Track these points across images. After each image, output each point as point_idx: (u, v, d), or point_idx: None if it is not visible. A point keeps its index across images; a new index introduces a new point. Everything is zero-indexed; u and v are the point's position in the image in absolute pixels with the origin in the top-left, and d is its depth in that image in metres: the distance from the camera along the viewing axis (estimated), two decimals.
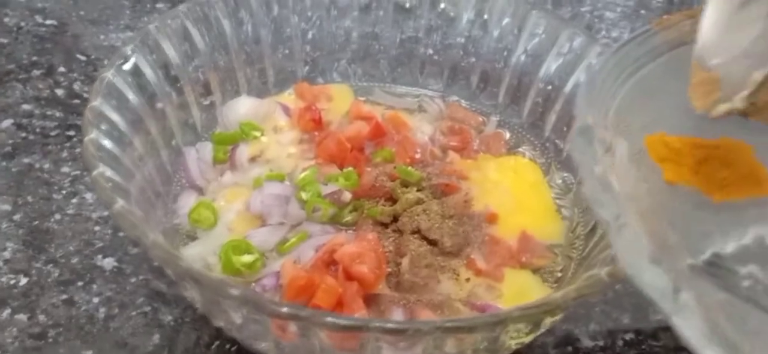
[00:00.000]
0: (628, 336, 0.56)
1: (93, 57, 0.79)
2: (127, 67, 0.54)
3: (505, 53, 0.68)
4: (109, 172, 0.46)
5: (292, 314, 0.39)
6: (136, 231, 0.41)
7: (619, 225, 0.34)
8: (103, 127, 0.49)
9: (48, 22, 0.84)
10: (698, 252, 0.37)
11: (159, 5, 0.89)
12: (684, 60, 0.45)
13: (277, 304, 0.39)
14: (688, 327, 0.30)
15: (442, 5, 0.70)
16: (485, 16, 0.69)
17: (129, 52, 0.55)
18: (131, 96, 0.54)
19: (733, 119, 0.43)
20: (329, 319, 0.39)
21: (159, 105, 0.58)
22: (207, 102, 0.64)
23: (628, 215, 0.34)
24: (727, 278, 0.35)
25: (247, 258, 0.52)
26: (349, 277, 0.50)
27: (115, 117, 0.51)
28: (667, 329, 0.56)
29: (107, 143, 0.49)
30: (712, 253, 0.37)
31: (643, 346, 0.55)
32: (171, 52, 0.59)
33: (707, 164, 0.41)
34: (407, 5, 0.71)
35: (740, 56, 0.41)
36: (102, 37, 0.83)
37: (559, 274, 0.55)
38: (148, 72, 0.56)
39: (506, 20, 0.68)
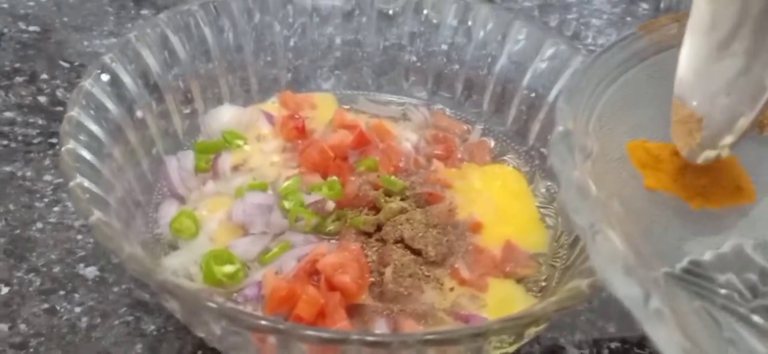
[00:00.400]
0: (614, 344, 0.56)
1: (77, 64, 0.78)
2: (105, 76, 0.54)
3: (489, 60, 0.68)
4: (86, 183, 0.45)
5: (270, 327, 0.38)
6: (113, 243, 0.41)
7: (594, 232, 0.34)
8: (82, 137, 0.49)
9: (31, 28, 0.83)
10: (675, 259, 0.36)
11: (143, 11, 0.89)
12: (668, 64, 0.44)
13: (256, 317, 0.39)
14: (661, 335, 0.30)
15: (426, 12, 0.70)
16: (469, 23, 0.69)
17: (108, 61, 0.55)
18: (110, 105, 0.53)
19: None
20: (309, 332, 0.39)
21: (139, 114, 0.57)
22: (188, 110, 0.64)
23: (604, 222, 0.34)
24: (703, 286, 0.35)
25: (228, 268, 0.52)
26: (332, 287, 0.49)
27: (93, 127, 0.50)
28: None
29: (85, 154, 0.48)
30: (689, 261, 0.36)
31: None
32: (151, 61, 0.59)
33: (688, 171, 0.41)
34: (390, 12, 0.70)
35: (721, 94, 0.41)
36: (86, 43, 0.82)
37: (544, 284, 0.55)
38: (127, 81, 0.56)
39: (489, 27, 0.68)
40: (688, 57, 0.42)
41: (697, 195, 0.40)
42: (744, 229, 0.38)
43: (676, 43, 0.44)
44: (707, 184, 0.40)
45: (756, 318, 0.34)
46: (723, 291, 0.35)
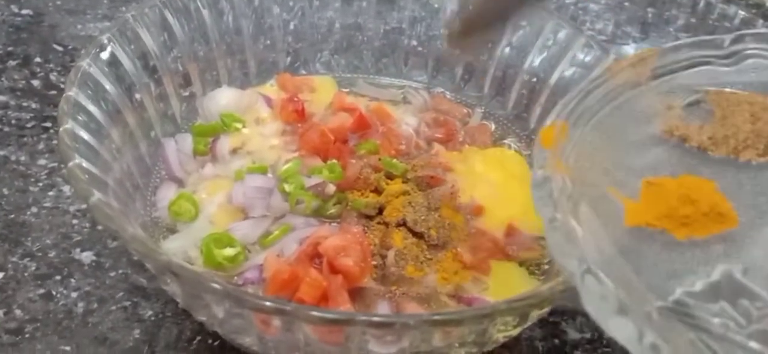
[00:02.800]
0: None
1: (70, 47, 0.77)
2: (103, 56, 0.53)
3: (490, 45, 0.68)
4: (85, 164, 0.45)
5: (276, 309, 0.38)
6: (114, 224, 0.40)
7: (584, 273, 0.35)
8: (80, 117, 0.48)
9: (24, 11, 0.82)
10: (667, 292, 0.37)
11: None
12: (639, 101, 0.45)
13: (261, 298, 0.38)
14: None
15: None
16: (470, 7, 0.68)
17: (105, 41, 0.54)
18: (108, 86, 0.53)
19: (694, 153, 0.43)
20: (314, 313, 0.38)
21: (137, 96, 0.56)
22: (186, 93, 0.63)
23: (592, 262, 0.35)
24: (697, 317, 0.35)
25: (229, 251, 0.51)
26: (334, 270, 0.49)
27: (91, 107, 0.50)
28: None
29: (84, 134, 0.47)
30: (681, 293, 0.37)
31: None
32: (149, 42, 0.58)
33: (669, 204, 0.41)
34: None
35: None
36: (79, 26, 0.81)
37: (546, 266, 0.54)
38: (125, 62, 0.55)
39: None
40: None
41: (681, 225, 0.40)
42: (731, 254, 0.38)
43: (644, 81, 0.45)
44: (690, 214, 0.40)
45: (753, 344, 0.34)
46: (717, 320, 0.35)
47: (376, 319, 0.38)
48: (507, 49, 0.67)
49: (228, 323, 0.44)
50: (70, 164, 0.43)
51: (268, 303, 0.38)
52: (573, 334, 0.55)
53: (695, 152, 0.43)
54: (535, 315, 0.47)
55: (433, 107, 0.68)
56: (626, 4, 0.93)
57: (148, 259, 0.39)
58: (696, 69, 0.45)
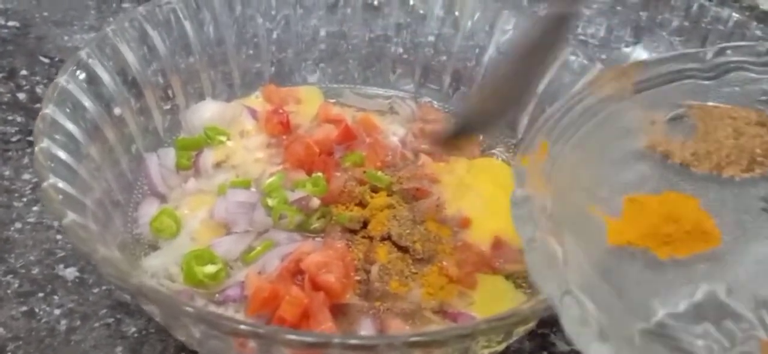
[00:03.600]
0: None
1: (56, 59, 0.77)
2: (81, 73, 0.52)
3: (477, 51, 0.67)
4: (61, 184, 0.44)
5: (250, 332, 0.37)
6: (87, 246, 0.40)
7: (563, 295, 0.34)
8: (57, 136, 0.47)
9: (10, 23, 0.82)
10: (649, 314, 0.36)
11: (125, 5, 0.87)
12: (622, 116, 0.45)
13: (234, 321, 0.38)
14: None
15: (412, 2, 0.69)
16: (456, 13, 0.68)
17: (84, 57, 0.53)
18: (87, 103, 0.52)
19: (677, 170, 0.43)
20: (289, 336, 0.37)
21: (117, 110, 0.56)
22: (169, 106, 0.62)
23: (572, 285, 0.34)
24: (681, 340, 0.35)
25: (210, 268, 0.50)
26: (316, 286, 0.48)
27: (69, 125, 0.49)
28: None
29: (61, 153, 0.47)
30: (664, 314, 0.36)
31: None
32: (129, 56, 0.57)
33: (652, 221, 0.41)
34: (375, 3, 0.69)
35: None
36: (66, 38, 0.80)
37: None
38: (105, 77, 0.55)
39: (477, 17, 0.66)
40: None
41: (664, 244, 0.39)
42: (715, 274, 0.38)
43: (625, 96, 0.44)
44: (672, 232, 0.39)
45: None
46: (700, 342, 0.35)
47: (353, 340, 0.38)
48: (494, 56, 0.66)
49: (206, 344, 0.43)
50: (45, 184, 0.43)
51: (242, 326, 0.37)
52: (562, 347, 0.54)
53: (678, 168, 0.42)
54: (521, 331, 0.46)
55: (420, 117, 0.67)
56: (619, 7, 0.92)
57: (121, 281, 0.39)
58: (679, 83, 0.44)
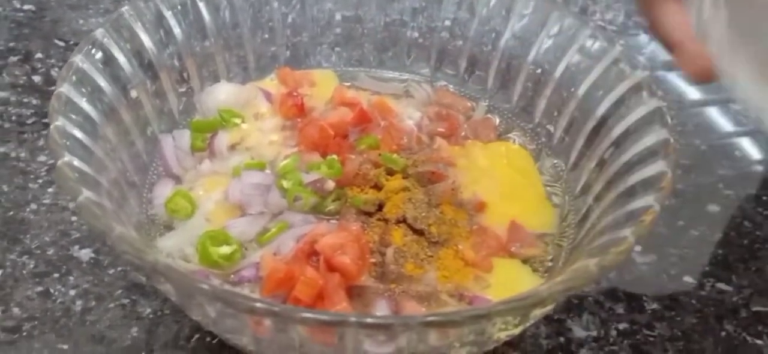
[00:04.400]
0: (622, 326, 0.54)
1: (71, 42, 0.77)
2: (98, 53, 0.52)
3: (494, 35, 0.66)
4: (76, 162, 0.44)
5: (266, 310, 0.37)
6: (101, 224, 0.39)
7: None
8: (73, 115, 0.47)
9: (26, 6, 0.82)
10: None
11: None
12: None
13: (251, 299, 0.37)
14: None
15: None
16: None
17: (99, 37, 0.53)
18: (103, 83, 0.52)
19: None
20: (305, 314, 0.37)
21: (133, 92, 0.56)
22: (184, 89, 0.62)
23: None
24: None
25: (225, 249, 0.50)
26: (331, 268, 0.48)
27: (85, 105, 0.49)
28: (662, 319, 0.55)
29: (76, 132, 0.47)
30: None
31: (638, 336, 0.54)
32: (145, 38, 0.57)
33: None
34: None
35: None
36: (81, 21, 0.80)
37: (550, 264, 0.53)
38: (121, 59, 0.54)
39: (493, 1, 0.66)
40: None
41: None
42: None
43: None
44: None
45: None
46: None
47: (368, 320, 0.37)
48: (511, 40, 0.65)
49: (221, 323, 0.43)
50: (59, 162, 0.43)
51: (257, 304, 0.37)
52: (579, 332, 0.54)
53: None
54: (537, 314, 0.45)
55: (436, 101, 0.66)
56: None
57: (136, 259, 0.39)
58: None
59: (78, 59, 0.50)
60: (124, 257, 0.53)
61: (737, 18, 0.41)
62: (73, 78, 0.49)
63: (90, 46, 0.52)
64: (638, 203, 0.46)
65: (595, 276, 0.40)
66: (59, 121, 0.45)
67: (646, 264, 0.59)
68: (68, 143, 0.45)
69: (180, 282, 0.38)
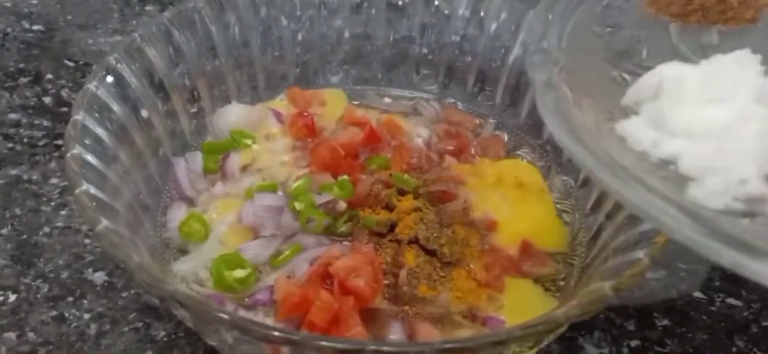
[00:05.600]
0: (634, 343, 0.54)
1: (81, 62, 0.77)
2: (110, 77, 0.53)
3: (502, 51, 0.67)
4: (93, 190, 0.44)
5: (284, 338, 0.37)
6: (120, 253, 0.40)
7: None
8: (87, 141, 0.48)
9: (35, 27, 0.82)
10: None
11: (148, 7, 0.87)
12: None
13: (268, 327, 0.38)
14: None
15: (436, 3, 0.68)
16: (481, 14, 0.67)
17: (113, 63, 0.53)
18: (115, 106, 0.52)
19: None
20: (323, 342, 0.37)
21: (144, 113, 0.56)
22: (195, 109, 0.63)
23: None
24: None
25: (239, 273, 0.50)
26: (345, 291, 0.48)
27: (98, 130, 0.49)
28: (673, 335, 0.55)
29: (91, 159, 0.47)
30: None
31: (649, 353, 0.54)
32: (156, 59, 0.58)
33: None
34: (400, 3, 0.69)
35: None
36: (90, 41, 0.81)
37: (562, 283, 0.53)
38: (132, 81, 0.55)
39: (502, 18, 0.66)
40: None
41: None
42: None
43: None
44: None
45: None
46: None
47: (386, 348, 0.37)
48: (519, 57, 0.65)
49: (238, 349, 0.43)
50: (77, 191, 0.43)
51: (276, 333, 0.37)
52: (591, 350, 0.54)
53: None
54: (551, 336, 0.46)
55: (444, 119, 0.67)
56: None
57: (154, 288, 0.39)
58: None
59: (92, 86, 0.51)
60: (141, 284, 0.53)
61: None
62: (88, 105, 0.49)
63: (104, 72, 0.52)
64: None
65: (609, 299, 0.40)
66: (76, 150, 0.45)
67: (657, 279, 0.59)
68: (84, 171, 0.45)
69: (199, 310, 0.39)
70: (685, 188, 0.37)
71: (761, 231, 0.34)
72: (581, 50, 0.46)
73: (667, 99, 0.40)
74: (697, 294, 0.59)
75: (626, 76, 0.45)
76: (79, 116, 0.48)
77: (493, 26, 0.67)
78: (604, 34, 0.48)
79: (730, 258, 0.32)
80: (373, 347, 0.37)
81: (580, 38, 0.46)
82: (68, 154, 0.45)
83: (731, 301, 0.58)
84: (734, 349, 0.55)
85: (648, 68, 0.44)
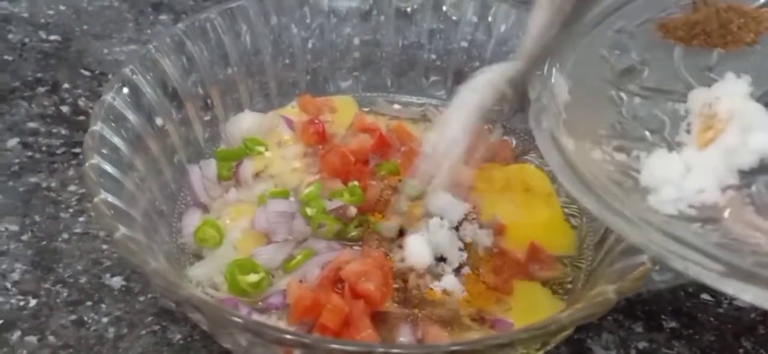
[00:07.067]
0: (642, 344, 0.55)
1: (97, 71, 0.79)
2: (126, 89, 0.54)
3: (511, 56, 0.67)
4: (110, 198, 0.46)
5: (296, 341, 0.38)
6: (137, 259, 0.41)
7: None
8: (104, 151, 0.49)
9: (52, 37, 0.84)
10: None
11: (162, 17, 0.89)
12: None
13: (281, 330, 0.39)
14: None
15: (445, 9, 0.69)
16: (489, 19, 0.68)
17: (128, 74, 0.55)
18: (131, 116, 0.54)
19: None
20: (334, 345, 0.39)
21: (159, 122, 0.57)
22: (208, 117, 0.64)
23: None
24: None
25: (253, 277, 0.52)
26: (356, 295, 0.49)
27: (115, 139, 0.51)
28: (680, 337, 0.55)
29: (108, 168, 0.48)
30: None
31: None
32: (170, 70, 0.59)
33: None
34: (408, 10, 0.70)
35: None
36: (106, 50, 0.82)
37: (569, 286, 0.54)
38: (147, 90, 0.56)
39: (510, 22, 0.67)
40: None
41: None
42: None
43: None
44: None
45: None
46: None
47: (395, 350, 0.38)
48: None
49: (252, 352, 0.44)
50: (95, 200, 0.44)
51: (288, 336, 0.38)
52: (599, 351, 0.54)
53: None
54: (557, 339, 0.46)
55: None
56: None
57: (170, 293, 0.40)
58: None
59: (109, 97, 0.52)
60: (157, 288, 0.55)
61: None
62: (105, 116, 0.51)
63: (120, 84, 0.54)
64: None
65: (613, 302, 0.41)
66: (94, 159, 0.47)
67: (664, 281, 0.60)
68: (102, 180, 0.46)
69: (213, 314, 0.40)
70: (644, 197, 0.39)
71: (710, 236, 0.35)
72: (587, 74, 0.47)
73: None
74: (705, 296, 0.59)
75: (624, 95, 0.46)
76: (96, 127, 0.50)
77: (501, 31, 0.67)
78: (611, 58, 0.49)
79: (683, 263, 0.34)
80: (383, 349, 0.38)
81: (588, 64, 0.48)
82: (86, 164, 0.47)
83: (738, 303, 0.58)
84: (741, 351, 0.55)
85: (648, 89, 0.46)
